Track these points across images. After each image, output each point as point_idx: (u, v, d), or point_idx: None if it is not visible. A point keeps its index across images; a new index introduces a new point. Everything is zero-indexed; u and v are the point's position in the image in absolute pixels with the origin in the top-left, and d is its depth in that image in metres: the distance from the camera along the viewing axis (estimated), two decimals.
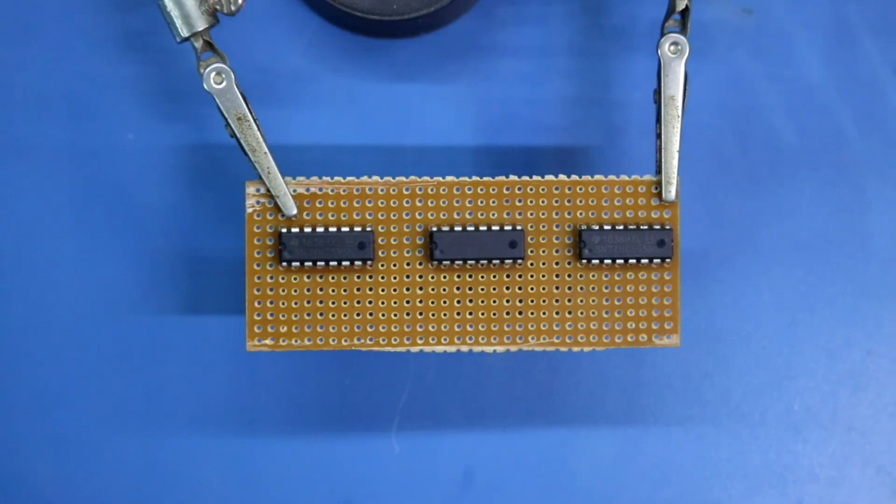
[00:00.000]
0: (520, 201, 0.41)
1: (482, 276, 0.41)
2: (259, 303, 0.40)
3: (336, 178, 0.41)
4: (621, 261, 0.41)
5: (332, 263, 0.40)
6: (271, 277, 0.40)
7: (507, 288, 0.41)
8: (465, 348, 0.41)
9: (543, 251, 0.41)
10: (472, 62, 0.45)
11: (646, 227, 0.41)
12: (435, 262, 0.41)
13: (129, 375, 0.45)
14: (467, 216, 0.41)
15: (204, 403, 0.45)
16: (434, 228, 0.41)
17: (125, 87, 0.44)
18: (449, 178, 0.41)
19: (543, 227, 0.41)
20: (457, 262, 0.41)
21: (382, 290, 0.41)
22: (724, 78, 0.45)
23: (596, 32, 0.45)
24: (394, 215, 0.41)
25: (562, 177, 0.41)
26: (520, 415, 0.45)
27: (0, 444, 0.44)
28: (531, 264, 0.41)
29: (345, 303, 0.41)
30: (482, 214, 0.41)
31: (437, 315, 0.41)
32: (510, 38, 0.45)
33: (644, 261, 0.41)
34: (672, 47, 0.40)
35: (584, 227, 0.41)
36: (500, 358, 0.45)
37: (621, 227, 0.41)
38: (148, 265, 0.44)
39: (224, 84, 0.40)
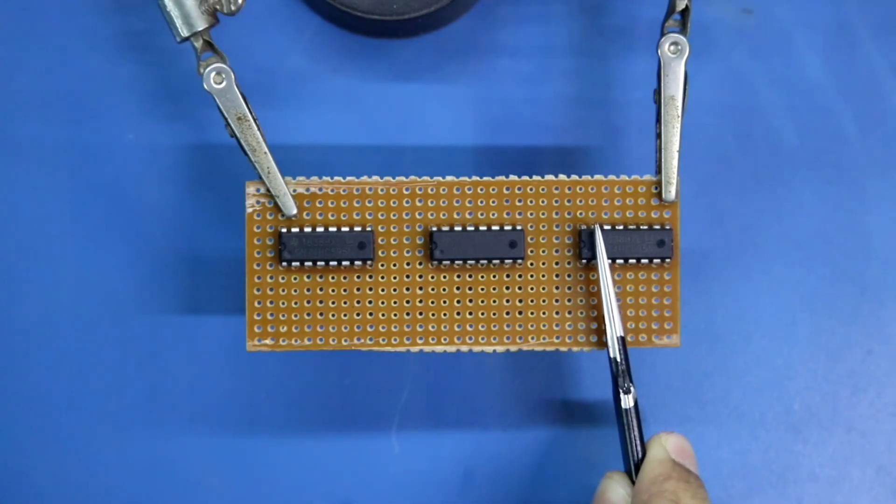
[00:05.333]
0: (520, 201, 0.41)
1: (482, 276, 0.41)
2: (259, 303, 0.40)
3: (336, 178, 0.41)
4: (621, 261, 0.41)
5: (332, 263, 0.40)
6: (271, 277, 0.40)
7: (507, 288, 0.41)
8: (465, 348, 0.41)
9: (543, 251, 0.41)
10: (472, 62, 0.45)
11: (646, 227, 0.41)
12: (435, 262, 0.41)
13: (130, 375, 0.45)
14: (467, 216, 0.41)
15: (204, 403, 0.45)
16: (434, 228, 0.41)
17: (125, 87, 0.44)
18: (449, 178, 0.41)
19: (543, 227, 0.41)
20: (457, 262, 0.41)
21: (382, 290, 0.41)
22: (724, 78, 0.45)
23: (596, 32, 0.45)
24: (394, 215, 0.41)
25: (562, 177, 0.41)
26: (520, 415, 0.45)
27: (0, 444, 0.44)
28: (531, 264, 0.41)
29: (345, 303, 0.41)
30: (482, 214, 0.41)
31: (437, 315, 0.41)
32: (510, 38, 0.45)
33: (644, 261, 0.41)
34: (672, 47, 0.40)
35: (584, 227, 0.41)
36: (500, 358, 0.45)
37: (621, 227, 0.41)
38: (148, 265, 0.44)
39: (224, 84, 0.40)
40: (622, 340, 0.40)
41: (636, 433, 0.39)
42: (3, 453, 0.44)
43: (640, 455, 0.39)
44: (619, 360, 0.40)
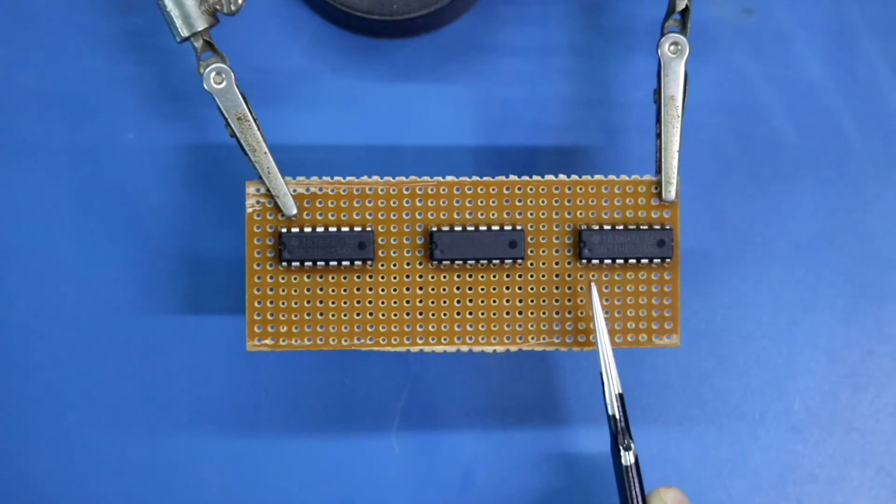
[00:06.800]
0: (520, 201, 0.41)
1: (482, 276, 0.41)
2: (259, 303, 0.40)
3: (336, 178, 0.41)
4: (621, 261, 0.41)
5: (332, 263, 0.40)
6: (271, 277, 0.40)
7: (507, 288, 0.41)
8: (465, 348, 0.41)
9: (543, 251, 0.41)
10: (472, 62, 0.45)
11: (646, 227, 0.41)
12: (435, 262, 0.41)
13: (129, 375, 0.45)
14: (467, 216, 0.41)
15: (204, 403, 0.45)
16: (434, 228, 0.41)
17: (125, 87, 0.44)
18: (449, 178, 0.41)
19: (543, 227, 0.41)
20: (457, 262, 0.41)
21: (382, 290, 0.41)
22: (724, 78, 0.45)
23: (596, 32, 0.45)
24: (394, 215, 0.41)
25: (562, 177, 0.41)
26: (520, 415, 0.45)
27: (0, 444, 0.44)
28: (531, 264, 0.41)
29: (345, 303, 0.41)
30: (482, 214, 0.41)
31: (437, 315, 0.41)
32: (510, 38, 0.45)
33: (644, 261, 0.41)
34: (672, 47, 0.40)
35: (584, 227, 0.41)
36: (500, 358, 0.45)
37: (621, 227, 0.41)
38: (148, 265, 0.44)
39: (224, 84, 0.40)
40: (621, 398, 0.39)
41: (637, 490, 0.39)
42: (3, 453, 0.44)
43: None
44: (618, 417, 0.39)
